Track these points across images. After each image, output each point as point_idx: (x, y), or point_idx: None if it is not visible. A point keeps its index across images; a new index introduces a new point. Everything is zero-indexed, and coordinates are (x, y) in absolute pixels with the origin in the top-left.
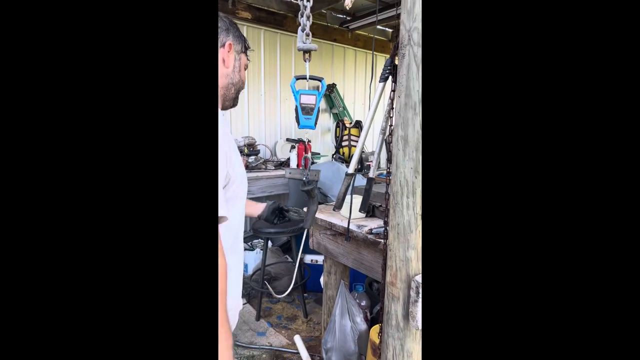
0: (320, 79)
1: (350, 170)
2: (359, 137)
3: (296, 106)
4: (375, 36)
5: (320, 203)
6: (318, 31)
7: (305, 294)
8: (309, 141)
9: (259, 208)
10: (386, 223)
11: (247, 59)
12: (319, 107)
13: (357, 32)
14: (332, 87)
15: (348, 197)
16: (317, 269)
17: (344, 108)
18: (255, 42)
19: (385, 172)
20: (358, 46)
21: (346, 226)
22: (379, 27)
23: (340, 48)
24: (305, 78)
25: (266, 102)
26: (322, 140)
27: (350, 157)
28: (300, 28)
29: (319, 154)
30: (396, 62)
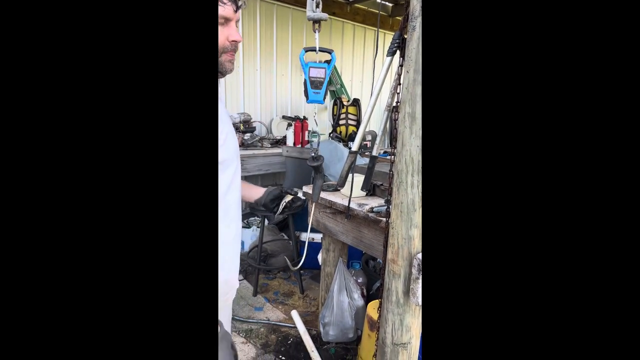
0: (330, 51)
1: (354, 148)
2: (356, 115)
3: (305, 79)
4: (375, 10)
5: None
6: None
7: (301, 271)
8: (315, 117)
9: (257, 192)
10: (388, 201)
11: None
12: (327, 81)
13: (356, 5)
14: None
15: (349, 175)
16: (312, 246)
17: (342, 85)
18: (251, 15)
19: (382, 152)
20: (357, 21)
21: (346, 204)
22: (378, 0)
23: (338, 22)
24: (315, 50)
25: (262, 78)
26: (318, 118)
27: (347, 135)
28: None
29: (315, 132)
30: (405, 35)
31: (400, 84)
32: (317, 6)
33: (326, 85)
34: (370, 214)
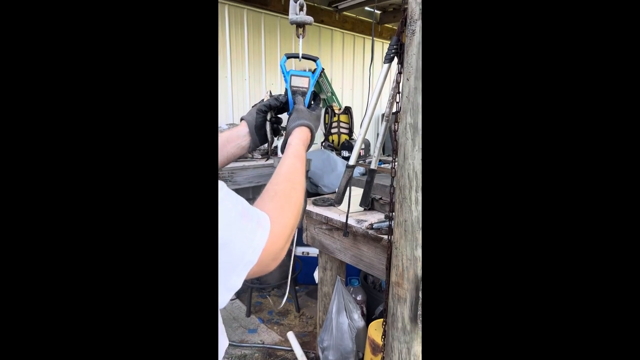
0: (315, 59)
1: (352, 162)
2: (348, 123)
3: (286, 89)
4: (364, 18)
5: (311, 194)
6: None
7: (296, 287)
8: None
9: (237, 133)
10: (390, 218)
11: None
12: (312, 92)
13: (344, 13)
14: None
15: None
16: (308, 261)
17: (333, 93)
18: (238, 23)
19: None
20: (346, 28)
21: (344, 221)
22: (367, 8)
23: (327, 30)
24: (298, 57)
25: (251, 87)
26: None
27: (339, 144)
28: None
29: None
30: (403, 40)
31: (399, 92)
32: (301, 9)
33: (310, 96)
34: (370, 231)
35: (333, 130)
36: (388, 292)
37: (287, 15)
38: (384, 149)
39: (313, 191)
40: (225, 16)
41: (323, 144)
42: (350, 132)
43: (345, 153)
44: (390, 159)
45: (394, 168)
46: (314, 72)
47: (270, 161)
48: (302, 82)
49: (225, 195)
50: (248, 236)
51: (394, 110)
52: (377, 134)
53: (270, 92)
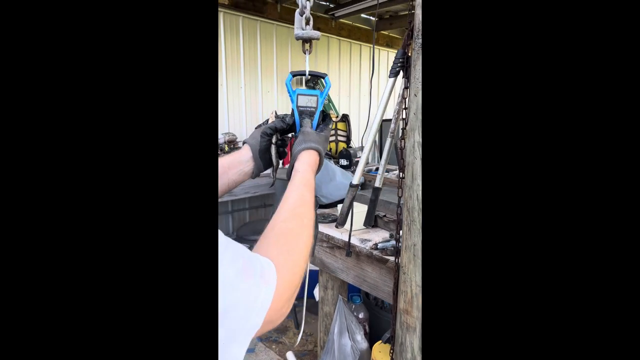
0: (323, 76)
1: (355, 181)
2: (346, 131)
3: (292, 109)
4: (360, 25)
5: None
6: None
7: (295, 302)
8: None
9: (239, 158)
10: (396, 240)
11: None
12: (320, 111)
13: (341, 20)
14: (317, 79)
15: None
16: (308, 275)
17: (330, 101)
18: (234, 30)
19: (374, 168)
20: (342, 35)
21: (346, 239)
22: (363, 15)
23: (324, 37)
24: (304, 74)
25: (247, 95)
26: None
27: (337, 152)
28: (298, 11)
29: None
30: (409, 53)
31: (405, 108)
32: (307, 23)
33: (318, 117)
34: (375, 252)
35: (331, 139)
36: (395, 319)
37: (283, 22)
38: (380, 157)
39: None
40: (221, 23)
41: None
42: (348, 140)
43: (343, 162)
44: (392, 167)
45: (400, 187)
46: (319, 87)
47: (267, 171)
48: (309, 102)
49: (225, 250)
50: (251, 296)
51: (400, 126)
52: (374, 141)
53: (276, 113)
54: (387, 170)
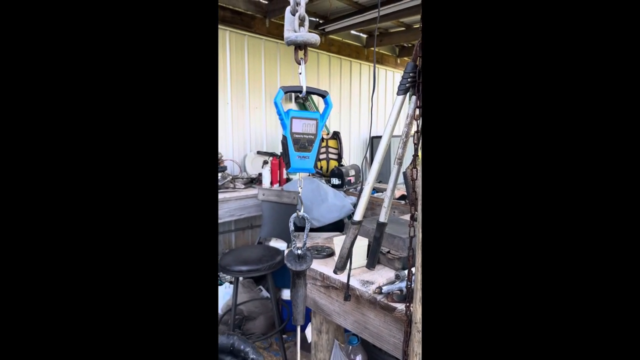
0: (324, 94)
1: (358, 217)
2: (337, 149)
3: (284, 137)
4: (350, 42)
5: (300, 228)
6: None
7: (284, 336)
8: (300, 186)
9: None
10: (407, 289)
11: None
12: (320, 139)
13: (331, 36)
14: (306, 96)
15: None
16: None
17: None
18: (220, 45)
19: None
20: (332, 51)
21: (344, 281)
22: (352, 32)
23: (313, 53)
24: (299, 91)
25: (233, 112)
26: None
27: (328, 171)
28: (289, 9)
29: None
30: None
31: (417, 132)
32: (302, 24)
33: (318, 146)
34: (379, 297)
35: (322, 156)
36: None
37: (271, 37)
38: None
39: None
40: None
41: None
42: (340, 157)
43: (334, 180)
44: (381, 186)
45: (412, 225)
46: (309, 104)
47: (254, 191)
48: (307, 127)
49: None
50: None
51: (407, 151)
52: (365, 158)
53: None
54: (379, 190)
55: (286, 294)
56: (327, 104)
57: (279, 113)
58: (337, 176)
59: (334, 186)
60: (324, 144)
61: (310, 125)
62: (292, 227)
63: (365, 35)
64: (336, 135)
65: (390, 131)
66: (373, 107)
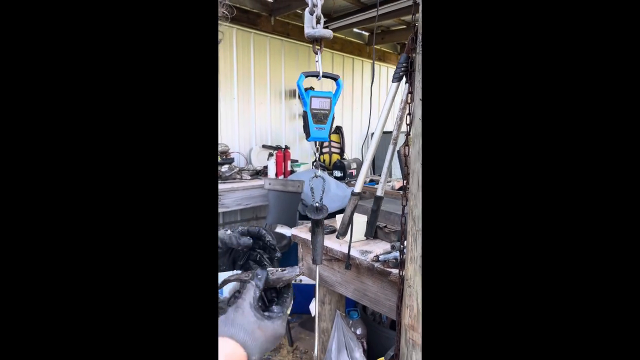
0: (336, 77)
1: (358, 189)
2: (339, 143)
3: (305, 112)
4: (352, 39)
5: (304, 217)
6: (294, 32)
7: (289, 317)
8: (316, 155)
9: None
10: (400, 251)
11: None
12: (334, 114)
13: (333, 34)
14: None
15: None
16: (300, 290)
17: None
18: (227, 43)
19: (367, 180)
20: (335, 49)
21: (345, 252)
22: (355, 30)
23: None
24: (317, 76)
25: (240, 107)
26: (300, 146)
27: (331, 164)
28: (307, 10)
29: (297, 161)
30: (413, 57)
31: (409, 114)
32: (318, 22)
33: (332, 119)
34: (376, 264)
35: (324, 150)
36: (400, 335)
37: (277, 35)
38: (374, 168)
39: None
40: None
41: (314, 164)
42: (342, 151)
43: (337, 173)
44: (379, 178)
45: (405, 196)
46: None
47: (260, 182)
48: (322, 104)
49: None
50: None
51: (400, 131)
52: (367, 149)
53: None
54: (376, 182)
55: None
56: (339, 86)
57: (300, 93)
58: (339, 169)
59: (336, 178)
60: None
61: (326, 102)
62: (311, 188)
63: (367, 33)
64: (339, 130)
65: (386, 112)
66: (373, 104)
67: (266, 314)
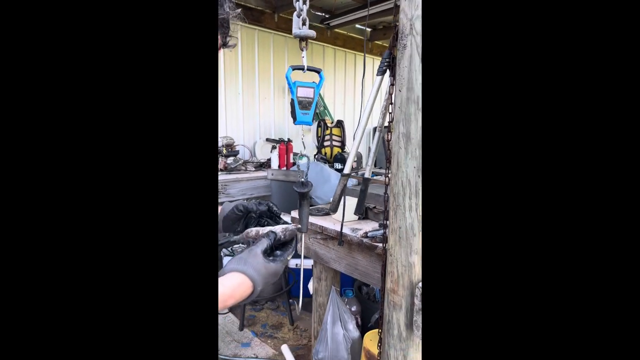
0: (318, 71)
1: (346, 170)
2: (340, 136)
3: (292, 99)
4: (355, 35)
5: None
6: None
7: (290, 300)
8: (302, 139)
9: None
10: (384, 226)
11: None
12: (317, 101)
13: (335, 30)
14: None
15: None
16: (298, 274)
17: (325, 107)
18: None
19: (359, 172)
20: (337, 45)
21: (338, 230)
22: (357, 25)
23: (319, 46)
24: (302, 69)
25: (244, 101)
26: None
27: (332, 157)
28: (295, 13)
29: (299, 153)
30: (394, 54)
31: (392, 103)
32: (304, 24)
33: (315, 106)
34: (365, 239)
35: (326, 143)
36: (383, 299)
37: (280, 31)
38: (376, 162)
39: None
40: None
41: (316, 156)
42: (343, 145)
43: (338, 165)
44: (382, 171)
45: (387, 176)
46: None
47: (263, 173)
48: (307, 93)
49: None
50: None
51: (387, 120)
52: (369, 148)
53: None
54: (375, 174)
55: (292, 263)
56: (321, 77)
57: (288, 83)
58: (339, 161)
59: (337, 170)
60: (328, 131)
61: (309, 91)
62: (297, 166)
63: (369, 29)
64: (340, 124)
65: (372, 100)
66: (365, 97)
67: (271, 258)
